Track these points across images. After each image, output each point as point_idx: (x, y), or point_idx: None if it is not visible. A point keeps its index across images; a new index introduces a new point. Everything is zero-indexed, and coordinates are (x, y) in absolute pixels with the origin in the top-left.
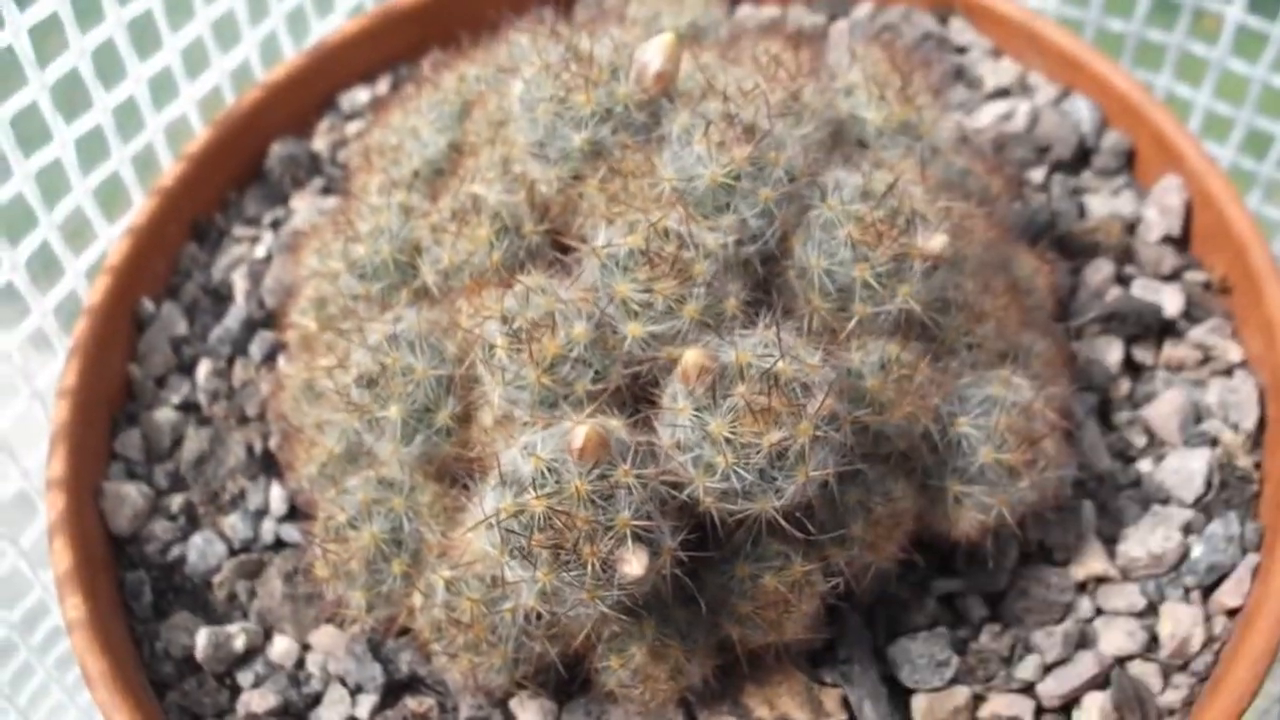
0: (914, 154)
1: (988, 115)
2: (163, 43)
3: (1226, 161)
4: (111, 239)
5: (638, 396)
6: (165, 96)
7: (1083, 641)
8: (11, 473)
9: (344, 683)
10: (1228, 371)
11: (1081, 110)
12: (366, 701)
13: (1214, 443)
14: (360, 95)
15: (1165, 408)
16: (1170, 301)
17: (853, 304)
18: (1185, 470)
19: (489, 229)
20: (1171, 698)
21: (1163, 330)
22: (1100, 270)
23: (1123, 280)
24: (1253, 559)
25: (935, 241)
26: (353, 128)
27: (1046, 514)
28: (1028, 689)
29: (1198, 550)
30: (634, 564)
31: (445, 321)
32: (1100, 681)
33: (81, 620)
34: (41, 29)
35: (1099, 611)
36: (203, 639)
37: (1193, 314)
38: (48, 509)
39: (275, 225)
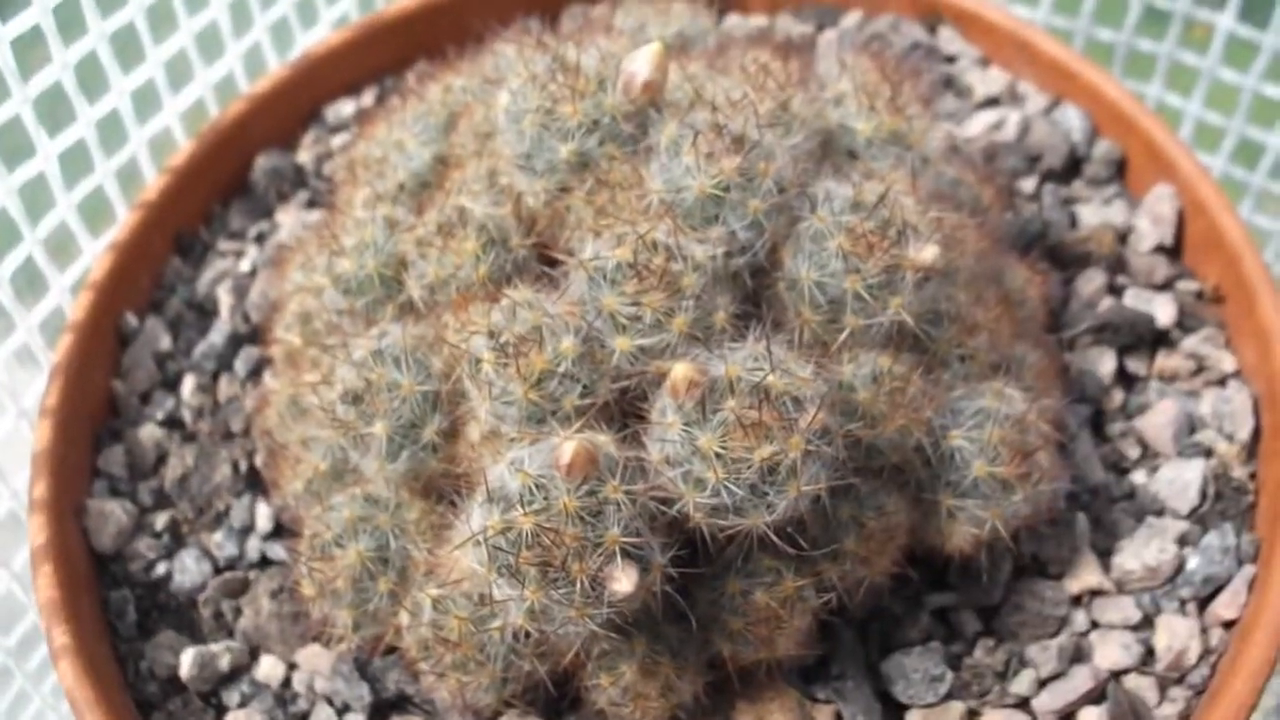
0: (904, 164)
1: (978, 124)
2: (146, 55)
3: (1217, 171)
4: (95, 254)
5: (626, 411)
6: (149, 109)
7: (1078, 655)
8: (1, 493)
9: (331, 702)
10: (1221, 381)
11: (1072, 119)
12: None
13: (1208, 454)
14: (345, 107)
15: (1159, 418)
16: (1163, 311)
17: (844, 316)
18: (1180, 481)
19: (475, 242)
20: (1168, 711)
21: (1156, 340)
22: (1092, 280)
23: (1115, 290)
24: (1249, 570)
25: (927, 253)
26: (338, 140)
27: (1040, 527)
28: (1023, 704)
29: (1193, 562)
30: (623, 581)
31: (431, 336)
32: (1096, 695)
33: (68, 647)
34: (24, 41)
35: (1094, 625)
36: (188, 658)
37: (1185, 324)
38: (32, 533)
39: (260, 239)
